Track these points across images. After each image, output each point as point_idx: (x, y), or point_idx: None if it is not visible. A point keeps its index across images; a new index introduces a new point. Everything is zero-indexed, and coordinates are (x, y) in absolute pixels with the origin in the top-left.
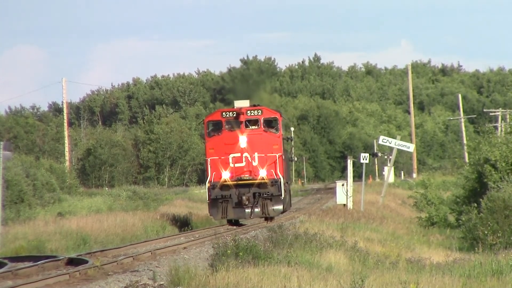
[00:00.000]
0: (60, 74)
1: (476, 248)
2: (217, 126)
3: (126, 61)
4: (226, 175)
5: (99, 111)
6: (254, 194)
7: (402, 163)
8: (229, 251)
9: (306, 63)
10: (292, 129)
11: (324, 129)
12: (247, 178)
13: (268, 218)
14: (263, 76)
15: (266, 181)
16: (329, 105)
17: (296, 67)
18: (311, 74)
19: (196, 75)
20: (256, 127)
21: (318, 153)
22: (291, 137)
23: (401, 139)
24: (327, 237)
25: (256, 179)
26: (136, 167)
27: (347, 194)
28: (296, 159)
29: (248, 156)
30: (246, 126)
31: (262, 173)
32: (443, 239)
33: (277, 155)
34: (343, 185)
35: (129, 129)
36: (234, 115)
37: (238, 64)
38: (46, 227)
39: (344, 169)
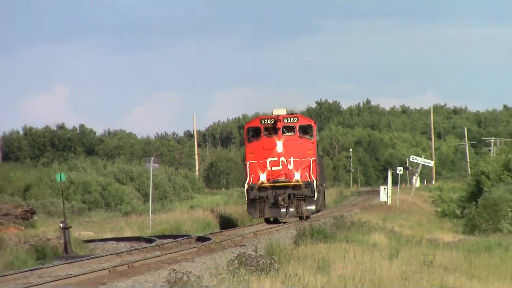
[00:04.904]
0: (192, 110)
1: (474, 232)
2: (256, 132)
3: (238, 102)
4: (263, 177)
5: (219, 136)
6: (289, 195)
7: (425, 173)
8: (307, 233)
9: (361, 104)
10: (351, 150)
11: (372, 150)
12: (283, 180)
13: (303, 217)
14: (331, 113)
15: (300, 183)
16: (376, 134)
17: (354, 107)
18: (364, 112)
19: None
20: (292, 133)
21: (368, 167)
22: (349, 156)
23: (425, 158)
24: (373, 224)
25: (291, 181)
26: (244, 175)
27: (387, 194)
28: (353, 170)
29: (284, 160)
30: (283, 133)
31: (297, 176)
32: (452, 226)
33: (311, 160)
34: (384, 188)
35: (240, 149)
36: (272, 122)
37: (314, 105)
38: (182, 215)
39: (385, 178)
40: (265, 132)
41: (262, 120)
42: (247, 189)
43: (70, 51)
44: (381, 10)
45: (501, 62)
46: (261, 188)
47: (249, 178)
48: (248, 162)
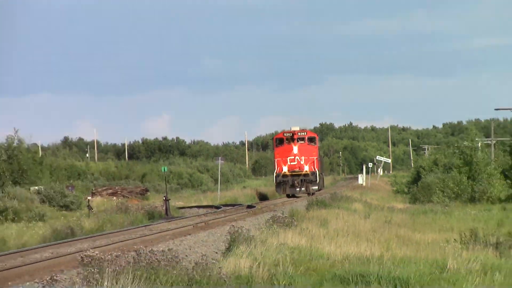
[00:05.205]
0: (245, 128)
1: (416, 203)
2: (281, 141)
3: (272, 124)
4: (285, 169)
5: (261, 144)
6: (301, 180)
7: (385, 167)
8: (313, 203)
9: (347, 125)
10: (340, 152)
11: (353, 153)
12: (298, 171)
13: (310, 194)
14: (328, 130)
15: (308, 172)
16: (356, 143)
17: (342, 127)
18: (349, 130)
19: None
20: (303, 141)
21: (351, 163)
22: (339, 156)
23: (385, 157)
24: (354, 197)
25: (302, 171)
26: (274, 168)
27: (363, 179)
28: (341, 165)
29: (298, 158)
30: (297, 141)
31: (306, 168)
32: (402, 199)
33: (315, 158)
34: (361, 176)
35: (272, 152)
36: (291, 135)
37: (318, 125)
38: (238, 192)
39: (362, 169)
40: (286, 141)
41: (285, 133)
42: (275, 176)
43: (169, 93)
44: (363, 70)
45: (430, 99)
46: (284, 175)
47: (276, 169)
48: (276, 159)
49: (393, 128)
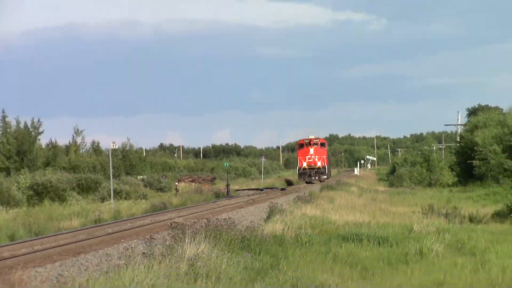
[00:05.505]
0: (279, 137)
1: (392, 187)
2: (301, 145)
3: (297, 134)
4: (305, 164)
5: (290, 148)
6: (315, 171)
7: (372, 163)
8: (324, 187)
9: (347, 135)
10: (343, 153)
11: (351, 154)
12: (313, 165)
13: (321, 181)
14: (334, 138)
15: (320, 167)
16: (353, 147)
17: (344, 136)
18: (348, 139)
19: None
20: (317, 146)
21: (350, 160)
22: (342, 156)
23: (372, 157)
24: (351, 183)
25: (316, 166)
26: (297, 163)
27: (358, 171)
28: (343, 161)
29: (313, 157)
30: (313, 145)
31: (319, 164)
32: (384, 184)
33: (325, 157)
34: (356, 169)
35: (296, 152)
36: (309, 141)
37: (328, 135)
38: (274, 180)
39: (357, 164)
40: (305, 145)
41: (305, 140)
42: (298, 169)
43: (229, 114)
44: (358, 98)
45: (401, 118)
46: (304, 169)
47: (299, 164)
48: (298, 158)
49: (377, 137)
